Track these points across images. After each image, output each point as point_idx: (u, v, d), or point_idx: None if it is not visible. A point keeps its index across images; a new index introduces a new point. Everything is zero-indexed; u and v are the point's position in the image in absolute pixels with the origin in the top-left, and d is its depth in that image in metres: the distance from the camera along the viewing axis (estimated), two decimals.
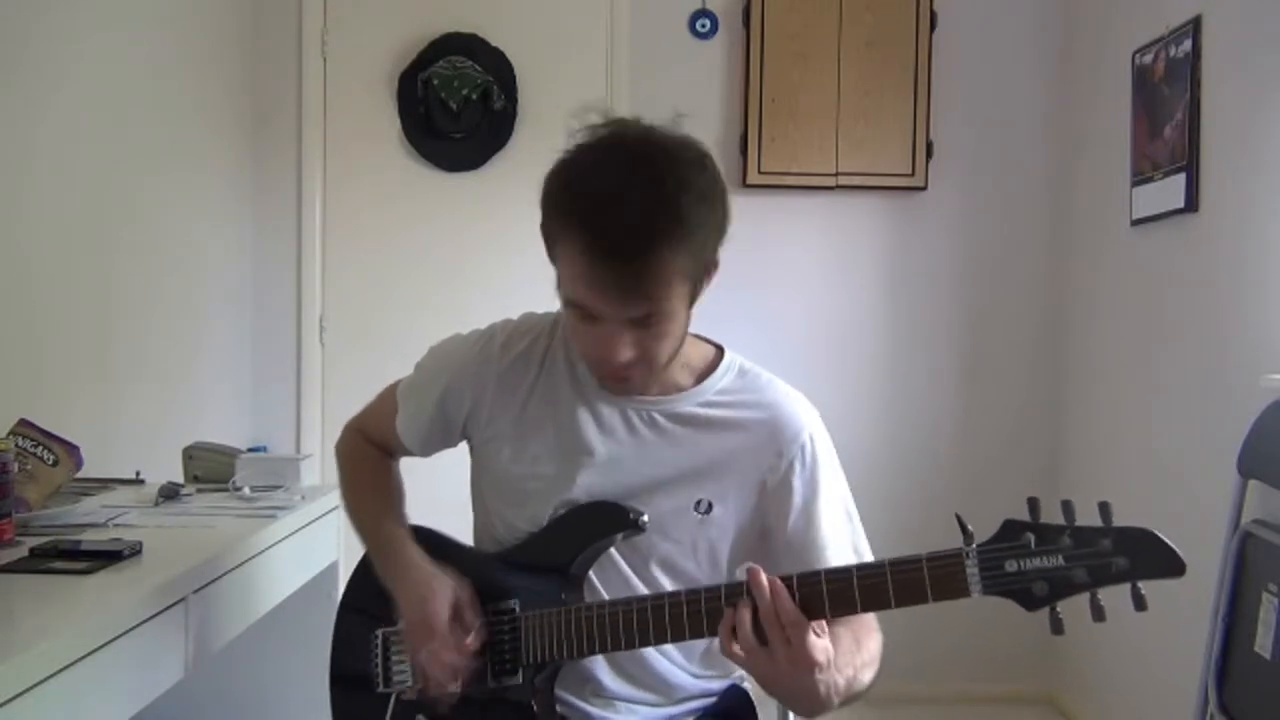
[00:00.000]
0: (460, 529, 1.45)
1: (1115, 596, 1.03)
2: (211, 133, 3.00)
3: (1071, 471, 3.30)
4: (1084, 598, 1.03)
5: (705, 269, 1.21)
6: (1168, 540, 1.02)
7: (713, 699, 1.42)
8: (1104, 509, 1.04)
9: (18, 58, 2.01)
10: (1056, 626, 1.04)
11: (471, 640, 1.27)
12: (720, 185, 1.21)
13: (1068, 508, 1.05)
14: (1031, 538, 1.05)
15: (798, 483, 1.32)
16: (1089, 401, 3.20)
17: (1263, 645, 2.10)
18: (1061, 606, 1.04)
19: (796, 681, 1.10)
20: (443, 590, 1.29)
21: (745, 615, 1.10)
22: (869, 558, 1.34)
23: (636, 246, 1.13)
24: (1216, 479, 2.34)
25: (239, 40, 3.15)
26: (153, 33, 2.59)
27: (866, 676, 1.22)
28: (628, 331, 1.19)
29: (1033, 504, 1.08)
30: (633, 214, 1.12)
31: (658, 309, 1.18)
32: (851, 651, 1.19)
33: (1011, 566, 1.05)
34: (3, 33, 1.97)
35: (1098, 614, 1.03)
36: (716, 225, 1.19)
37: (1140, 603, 1.01)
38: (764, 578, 1.10)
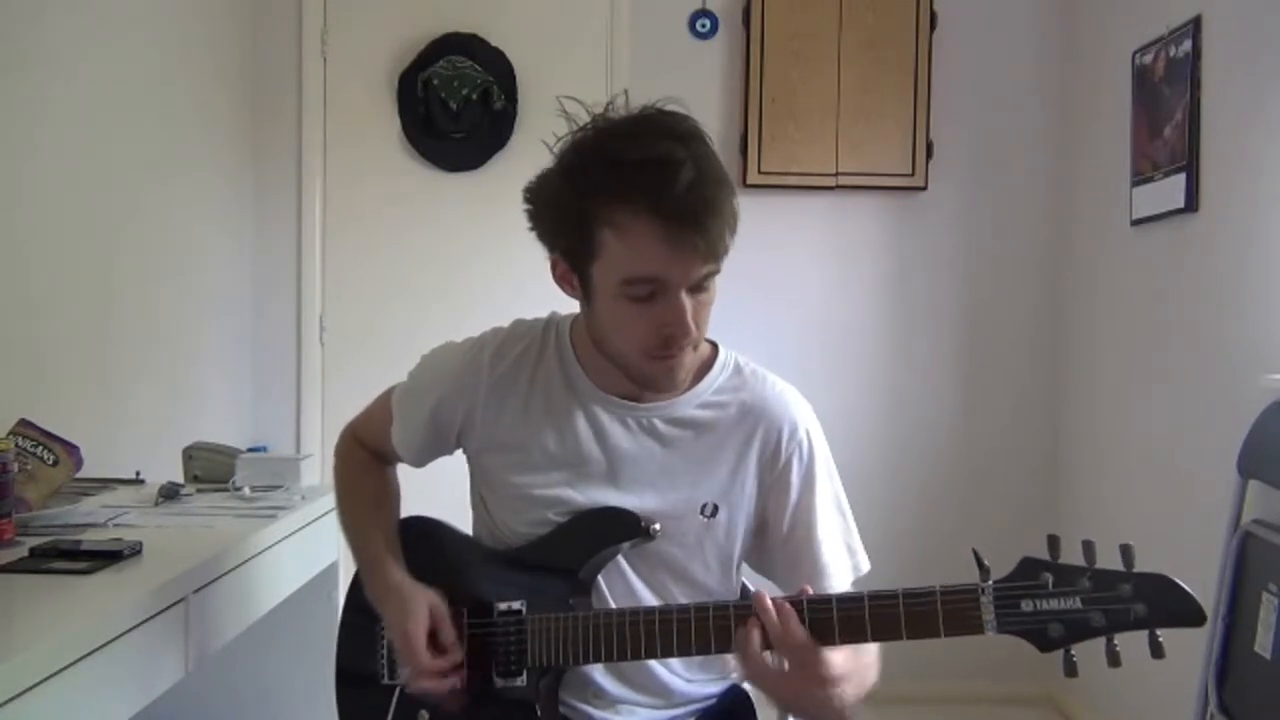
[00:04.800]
0: (456, 518, 1.46)
1: (1130, 638, 1.02)
2: (211, 133, 3.00)
3: (1071, 471, 3.30)
4: (1099, 640, 1.02)
5: (737, 219, 1.22)
6: (1188, 589, 1.01)
7: (712, 700, 1.42)
8: (1126, 552, 1.02)
9: (18, 58, 2.01)
10: (1070, 669, 1.03)
11: (449, 665, 1.27)
12: None
13: (1088, 548, 1.03)
14: (1050, 578, 1.03)
15: (794, 479, 1.32)
16: (1089, 401, 3.20)
17: (1263, 645, 2.10)
18: (1075, 646, 1.02)
19: (811, 698, 1.11)
20: (418, 613, 1.29)
21: (755, 635, 1.11)
22: (861, 554, 1.36)
23: (708, 201, 1.14)
24: (1216, 479, 2.34)
25: (239, 40, 3.15)
26: (153, 33, 2.59)
27: (871, 676, 1.22)
28: (688, 299, 1.19)
29: (1052, 542, 1.05)
30: (693, 172, 1.13)
31: (720, 264, 1.19)
32: (855, 656, 1.19)
33: (1027, 606, 1.04)
34: (3, 33, 1.97)
35: (1113, 659, 1.02)
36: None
37: (1158, 650, 1.00)
38: (769, 601, 1.11)
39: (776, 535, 1.33)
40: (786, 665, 1.10)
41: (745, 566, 1.40)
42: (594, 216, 1.17)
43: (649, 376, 1.28)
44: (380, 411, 1.47)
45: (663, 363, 1.24)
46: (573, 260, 1.23)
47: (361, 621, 1.41)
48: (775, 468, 1.32)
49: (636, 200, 1.14)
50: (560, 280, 1.27)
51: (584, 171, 1.19)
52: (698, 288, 1.20)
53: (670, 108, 1.22)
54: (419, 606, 1.29)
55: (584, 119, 1.22)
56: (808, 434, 1.34)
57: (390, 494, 1.51)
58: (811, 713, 1.15)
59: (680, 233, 1.14)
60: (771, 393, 1.35)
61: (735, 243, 1.20)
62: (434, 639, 1.28)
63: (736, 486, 1.32)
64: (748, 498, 1.33)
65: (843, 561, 1.33)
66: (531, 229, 1.26)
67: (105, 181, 2.35)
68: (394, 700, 1.36)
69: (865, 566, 1.35)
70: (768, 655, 1.12)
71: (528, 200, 1.25)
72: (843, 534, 1.35)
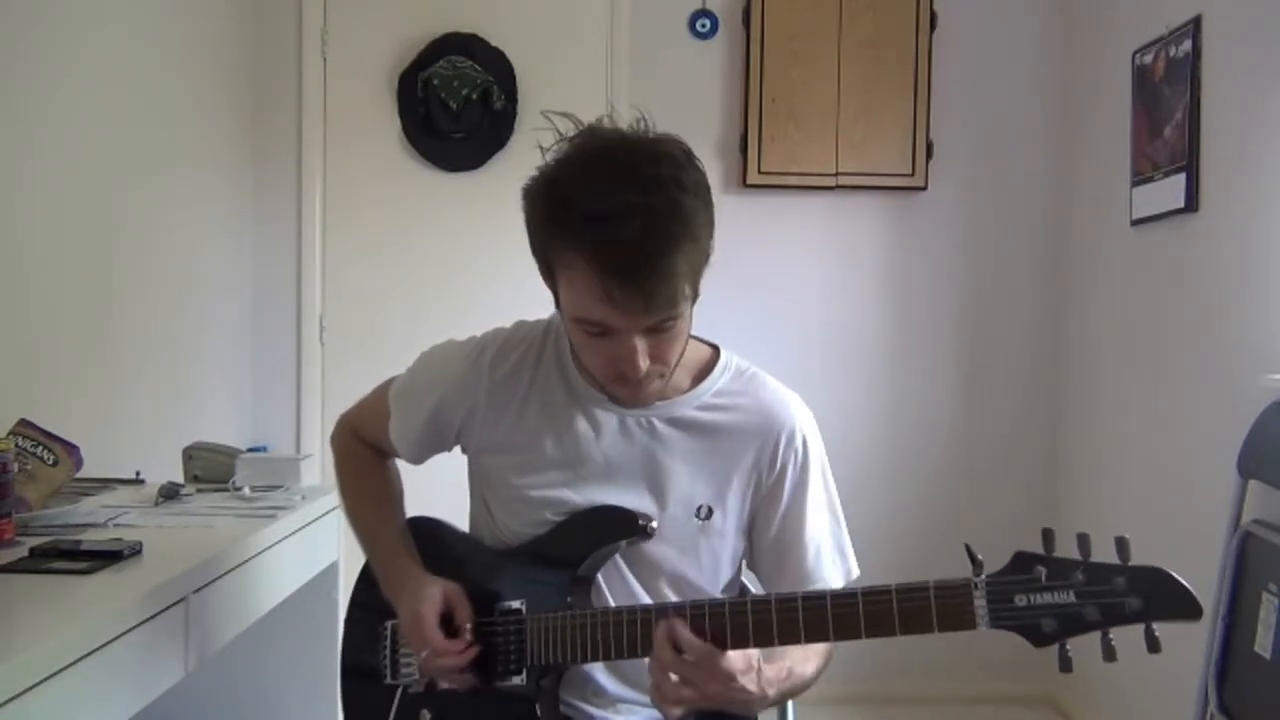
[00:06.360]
0: (456, 519, 1.46)
1: (1127, 634, 1.01)
2: (211, 132, 3.00)
3: (1071, 472, 3.30)
4: (1094, 635, 1.01)
5: (705, 262, 1.21)
6: (1184, 582, 1.00)
7: None
8: (1121, 544, 1.01)
9: (17, 57, 2.01)
10: (1065, 665, 1.02)
11: (463, 645, 1.27)
12: (705, 176, 1.20)
13: (1083, 541, 1.02)
14: (1043, 571, 1.03)
15: (788, 485, 1.33)
16: (1089, 401, 3.20)
17: (1263, 645, 2.10)
18: (1071, 641, 1.02)
19: (723, 695, 1.15)
20: (432, 599, 1.29)
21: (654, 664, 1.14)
22: (852, 560, 1.36)
23: (651, 256, 1.12)
24: (1216, 479, 2.34)
25: (239, 40, 3.15)
26: (152, 32, 2.59)
27: (809, 669, 1.25)
28: (643, 340, 1.18)
29: (1047, 536, 1.04)
30: (642, 224, 1.11)
31: (674, 312, 1.18)
32: (794, 646, 1.21)
33: (1021, 601, 1.03)
34: (2, 33, 1.97)
35: (1108, 654, 1.01)
36: (710, 218, 1.19)
37: (1154, 645, 0.99)
38: (660, 633, 1.14)
39: (764, 539, 1.34)
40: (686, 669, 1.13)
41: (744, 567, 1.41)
42: (550, 253, 1.19)
43: (616, 396, 1.30)
44: (377, 405, 1.47)
45: (625, 389, 1.25)
46: (545, 279, 1.24)
47: (366, 620, 1.42)
48: (771, 473, 1.33)
49: (579, 252, 1.14)
50: (546, 285, 1.28)
51: (545, 207, 1.19)
52: (655, 329, 1.18)
53: (656, 134, 1.19)
54: (433, 592, 1.29)
55: (573, 129, 1.21)
56: (804, 441, 1.34)
57: (394, 489, 1.51)
58: (724, 703, 1.18)
59: (618, 291, 1.12)
60: (771, 397, 1.35)
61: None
62: (448, 626, 1.28)
63: (731, 489, 1.32)
64: (741, 501, 1.33)
65: (833, 567, 1.34)
66: None
67: (105, 181, 2.34)
68: (396, 700, 1.36)
69: (856, 572, 1.36)
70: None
71: (522, 198, 1.25)
72: (834, 539, 1.35)
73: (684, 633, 1.13)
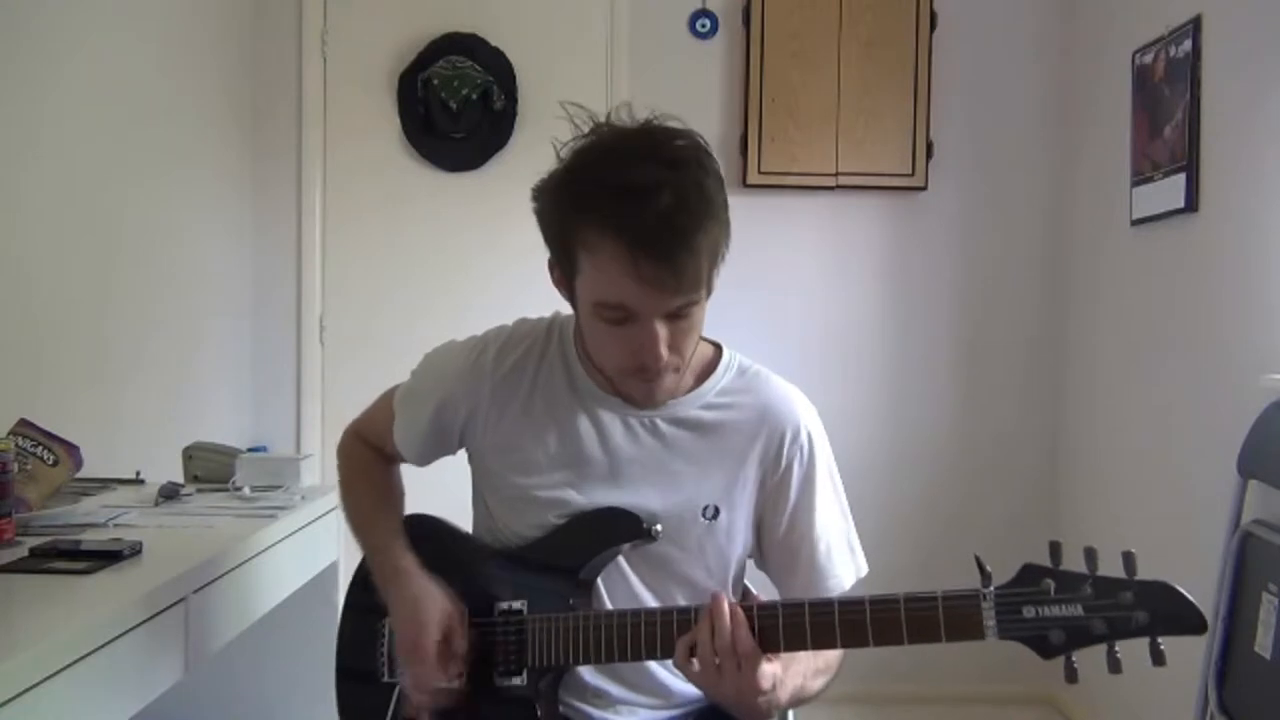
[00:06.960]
0: (457, 519, 1.46)
1: (1131, 644, 1.03)
2: (211, 132, 3.00)
3: (1071, 471, 3.30)
4: (1100, 647, 1.03)
5: (725, 249, 1.21)
6: (1190, 597, 1.01)
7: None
8: (1128, 559, 1.03)
9: (16, 57, 2.01)
10: (1071, 676, 1.04)
11: (456, 669, 1.27)
12: (719, 168, 1.21)
13: (1090, 555, 1.04)
14: (1051, 585, 1.04)
15: (794, 481, 1.33)
16: (1088, 401, 3.20)
17: (1263, 645, 2.10)
18: (1077, 652, 1.03)
19: (740, 699, 1.15)
20: (436, 614, 1.28)
21: (705, 636, 1.13)
22: (861, 556, 1.36)
23: (680, 235, 1.12)
24: (1216, 479, 2.34)
25: (239, 40, 3.15)
26: (152, 32, 2.59)
27: (816, 684, 1.25)
28: (664, 327, 1.18)
29: (1054, 549, 1.06)
30: (669, 202, 1.11)
31: (697, 296, 1.18)
32: (806, 660, 1.22)
33: (1029, 613, 1.05)
34: (1, 32, 1.97)
35: (1114, 666, 1.02)
36: (727, 205, 1.20)
37: (1159, 658, 1.00)
38: (725, 605, 1.13)
39: (773, 537, 1.34)
40: (724, 670, 1.13)
41: (750, 567, 1.41)
42: (573, 235, 1.18)
43: (628, 393, 1.29)
44: (383, 411, 1.47)
45: (640, 384, 1.25)
46: (561, 270, 1.24)
47: (362, 622, 1.41)
48: (776, 471, 1.32)
49: (607, 227, 1.13)
50: (556, 285, 1.28)
51: (569, 188, 1.18)
52: (675, 315, 1.18)
53: (672, 123, 1.20)
54: (437, 607, 1.28)
55: (588, 124, 1.21)
56: (809, 437, 1.34)
57: (394, 489, 1.51)
58: (736, 708, 1.19)
59: (648, 266, 1.12)
60: (776, 395, 1.35)
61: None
62: (443, 646, 1.28)
63: (737, 488, 1.32)
64: (748, 500, 1.33)
65: (845, 564, 1.34)
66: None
67: (105, 181, 2.35)
68: (394, 698, 1.36)
69: (865, 569, 1.36)
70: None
71: (533, 199, 1.25)
72: (845, 536, 1.35)
73: (745, 633, 1.13)
